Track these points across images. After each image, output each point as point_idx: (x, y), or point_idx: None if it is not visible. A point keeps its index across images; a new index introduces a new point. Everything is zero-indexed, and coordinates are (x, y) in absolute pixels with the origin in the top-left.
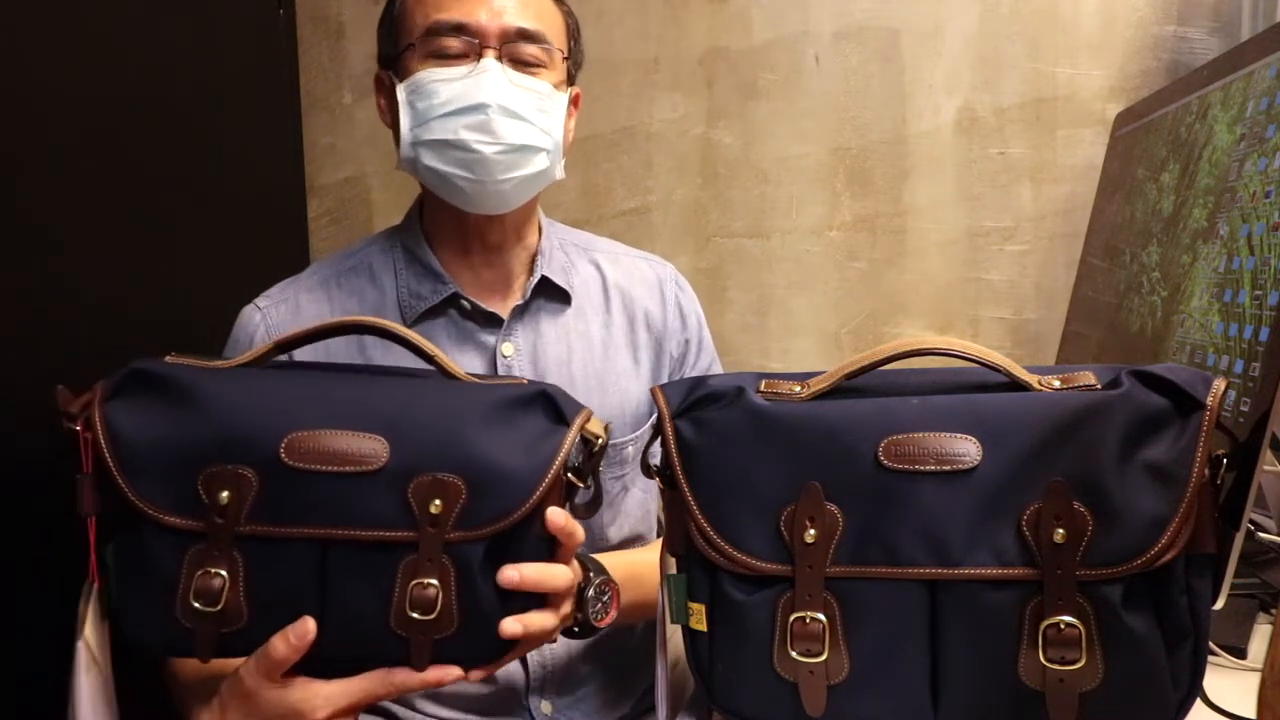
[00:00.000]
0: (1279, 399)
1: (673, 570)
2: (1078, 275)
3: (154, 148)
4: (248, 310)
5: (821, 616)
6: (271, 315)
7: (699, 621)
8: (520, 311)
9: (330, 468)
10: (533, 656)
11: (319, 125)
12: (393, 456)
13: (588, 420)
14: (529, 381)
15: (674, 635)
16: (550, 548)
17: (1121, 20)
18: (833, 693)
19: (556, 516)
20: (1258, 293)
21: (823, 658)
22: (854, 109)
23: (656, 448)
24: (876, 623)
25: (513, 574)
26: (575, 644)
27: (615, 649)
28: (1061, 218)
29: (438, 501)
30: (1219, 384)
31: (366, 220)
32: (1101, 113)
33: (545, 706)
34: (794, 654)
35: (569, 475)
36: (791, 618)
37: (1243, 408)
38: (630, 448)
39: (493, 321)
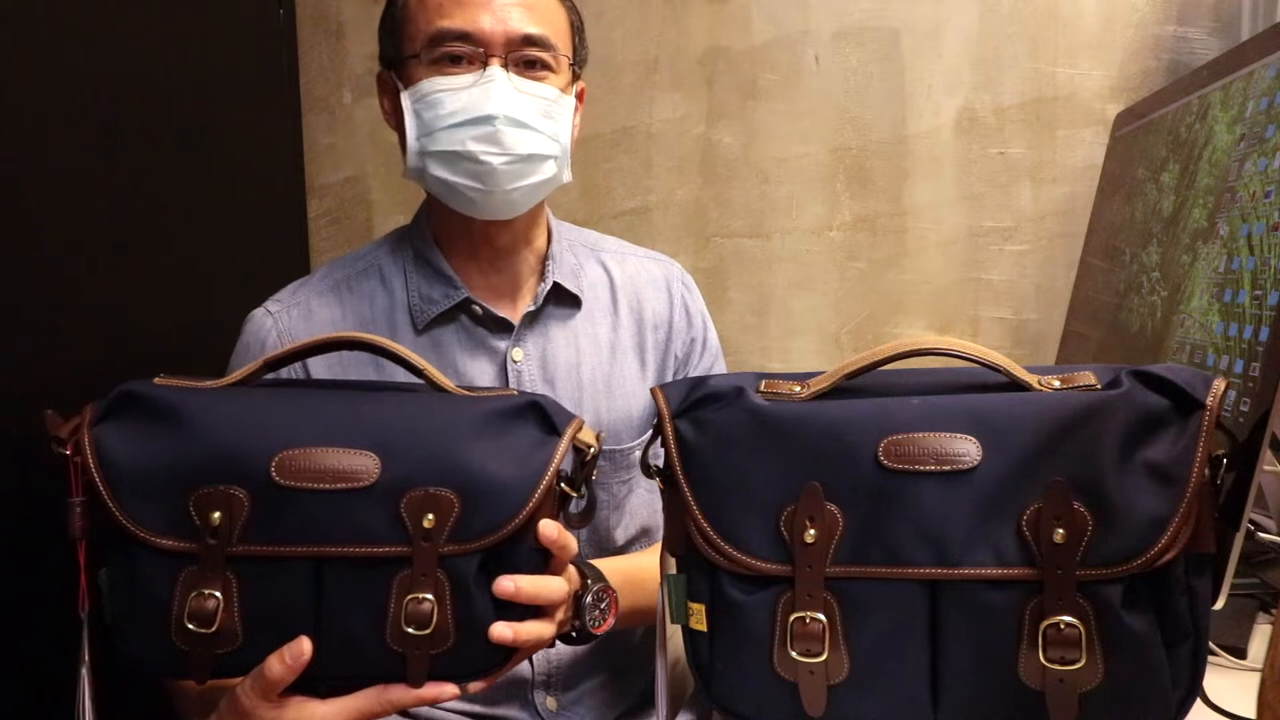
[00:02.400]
0: (1279, 399)
1: (673, 570)
2: (1078, 275)
3: (153, 148)
4: (258, 314)
5: (821, 616)
6: (284, 320)
7: (699, 621)
8: (531, 318)
9: (321, 485)
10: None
11: (319, 125)
12: (384, 472)
13: (579, 430)
14: (519, 392)
15: (674, 635)
16: (545, 559)
17: (1121, 20)
18: (833, 693)
19: (549, 529)
20: (1258, 293)
21: (823, 658)
22: (854, 109)
23: (657, 448)
24: (876, 623)
25: (508, 584)
26: None
27: (619, 646)
28: (1061, 218)
29: (430, 515)
30: (1219, 384)
31: (366, 220)
32: (1101, 113)
33: (550, 702)
34: (794, 654)
35: (562, 485)
36: (791, 618)
37: (1243, 408)
38: (636, 453)
39: (503, 327)
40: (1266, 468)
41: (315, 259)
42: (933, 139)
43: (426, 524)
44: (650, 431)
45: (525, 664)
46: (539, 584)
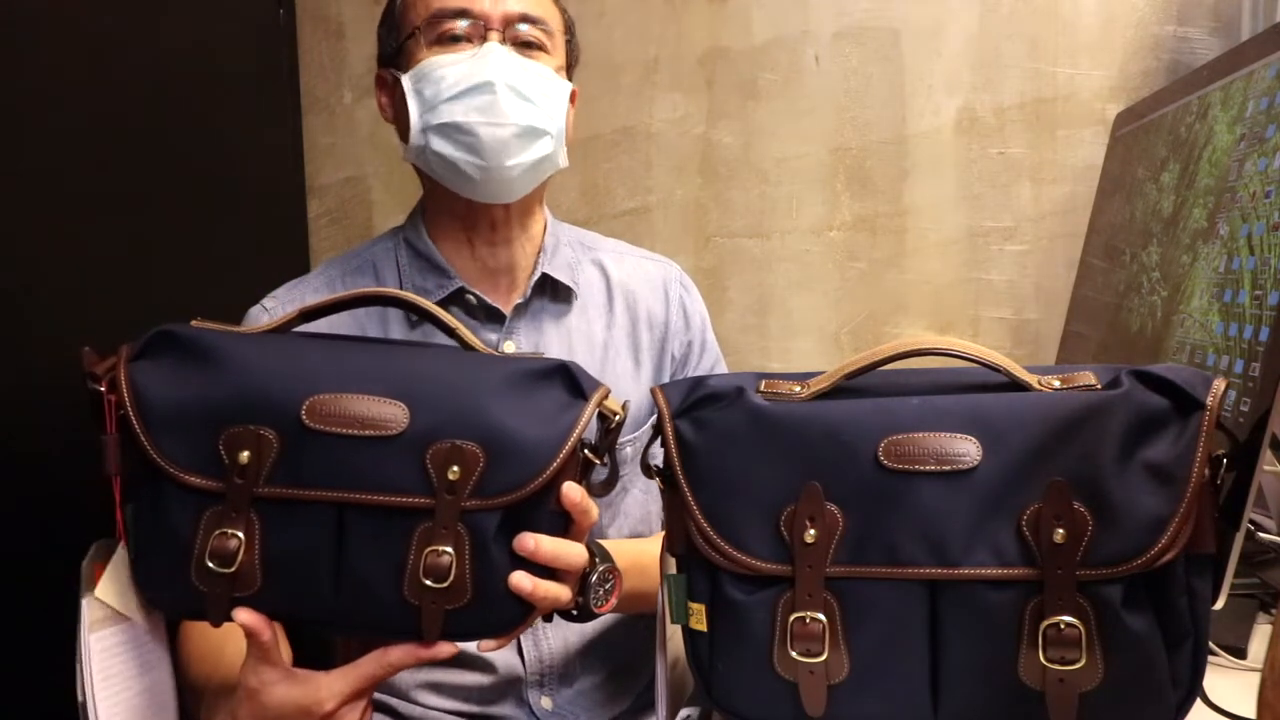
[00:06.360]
0: (1279, 399)
1: (673, 570)
2: (1078, 275)
3: (154, 148)
4: (255, 312)
5: (821, 616)
6: (279, 315)
7: (699, 621)
8: (522, 309)
9: (350, 431)
10: (530, 651)
11: (319, 125)
12: (412, 422)
13: (605, 396)
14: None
15: (674, 635)
16: (565, 524)
17: (1121, 20)
18: (833, 693)
19: (572, 492)
20: (1258, 293)
21: (823, 658)
22: (854, 109)
23: (657, 448)
24: (876, 623)
25: (529, 541)
26: (572, 639)
27: (615, 644)
28: (1061, 218)
29: (455, 468)
30: (1219, 384)
31: (366, 220)
32: (1101, 113)
33: (545, 702)
34: (794, 654)
35: (585, 452)
36: (791, 618)
37: (1243, 408)
38: (629, 448)
39: (495, 318)
40: (1266, 468)
41: (315, 259)
42: (933, 139)
43: (451, 476)
44: (649, 431)
45: (518, 663)
46: (559, 546)
